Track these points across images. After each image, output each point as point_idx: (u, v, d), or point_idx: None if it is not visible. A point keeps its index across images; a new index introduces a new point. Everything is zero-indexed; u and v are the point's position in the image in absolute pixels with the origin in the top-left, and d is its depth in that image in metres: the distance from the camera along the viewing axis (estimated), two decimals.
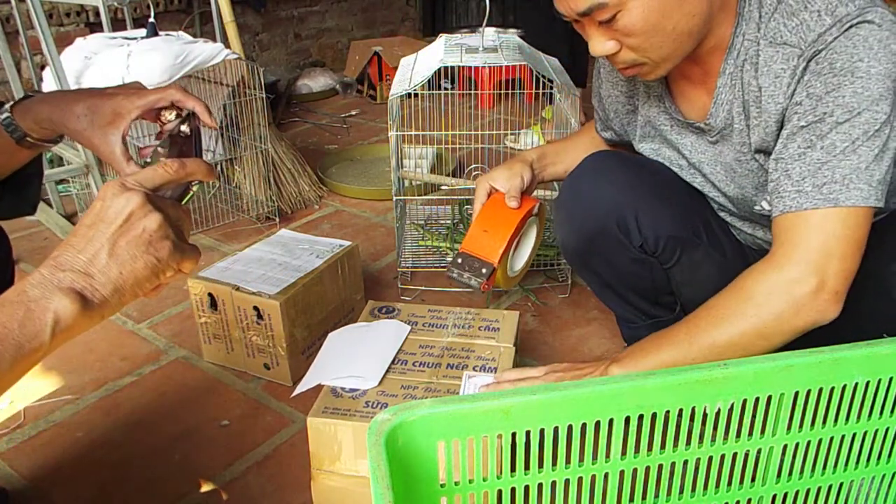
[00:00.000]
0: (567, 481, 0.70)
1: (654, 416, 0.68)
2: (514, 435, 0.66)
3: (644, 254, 1.17)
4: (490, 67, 2.74)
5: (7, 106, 0.87)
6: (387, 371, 1.10)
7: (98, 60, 1.89)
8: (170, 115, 0.86)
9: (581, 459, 0.69)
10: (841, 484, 0.79)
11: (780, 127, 0.96)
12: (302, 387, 1.10)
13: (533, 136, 2.87)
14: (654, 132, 1.18)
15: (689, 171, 1.16)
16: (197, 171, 0.69)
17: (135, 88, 0.87)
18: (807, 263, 0.88)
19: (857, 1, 0.87)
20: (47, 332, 0.58)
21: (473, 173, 1.97)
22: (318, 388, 1.08)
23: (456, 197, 1.98)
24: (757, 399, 0.70)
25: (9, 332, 0.56)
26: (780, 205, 0.92)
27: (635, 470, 0.71)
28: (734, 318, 0.91)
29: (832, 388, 0.71)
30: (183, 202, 0.71)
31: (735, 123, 1.02)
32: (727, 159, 1.07)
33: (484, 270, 1.11)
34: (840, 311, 0.89)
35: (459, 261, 1.13)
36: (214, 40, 2.05)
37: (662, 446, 0.70)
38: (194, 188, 0.73)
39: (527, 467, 0.68)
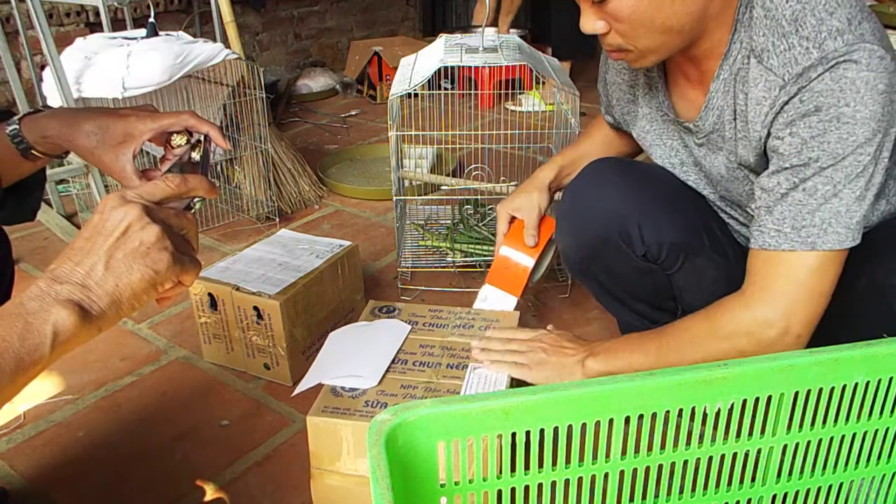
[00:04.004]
0: (567, 481, 0.70)
1: (654, 416, 0.68)
2: (514, 435, 0.66)
3: (646, 262, 1.17)
4: (490, 67, 2.74)
5: (16, 118, 0.88)
6: (387, 371, 1.10)
7: (98, 60, 1.89)
8: (180, 140, 0.87)
9: (581, 459, 0.69)
10: (841, 484, 0.79)
11: (760, 151, 0.96)
12: (302, 386, 1.10)
13: (533, 100, 2.98)
14: (650, 127, 1.18)
15: (682, 168, 1.16)
16: (199, 188, 0.69)
17: (148, 111, 0.88)
18: (775, 308, 0.89)
19: (847, 35, 0.84)
20: (47, 345, 0.57)
21: (473, 173, 1.97)
22: (319, 387, 1.08)
23: (456, 197, 1.98)
24: (757, 399, 0.70)
25: (9, 346, 0.56)
26: (759, 239, 0.93)
27: (635, 470, 0.72)
28: (701, 346, 0.95)
29: (832, 388, 0.71)
30: None
31: (726, 130, 1.01)
32: (715, 163, 1.07)
33: (510, 301, 1.30)
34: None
35: (485, 296, 1.30)
36: (214, 40, 2.05)
37: (662, 446, 0.70)
38: (196, 205, 0.73)
39: (527, 467, 0.68)
